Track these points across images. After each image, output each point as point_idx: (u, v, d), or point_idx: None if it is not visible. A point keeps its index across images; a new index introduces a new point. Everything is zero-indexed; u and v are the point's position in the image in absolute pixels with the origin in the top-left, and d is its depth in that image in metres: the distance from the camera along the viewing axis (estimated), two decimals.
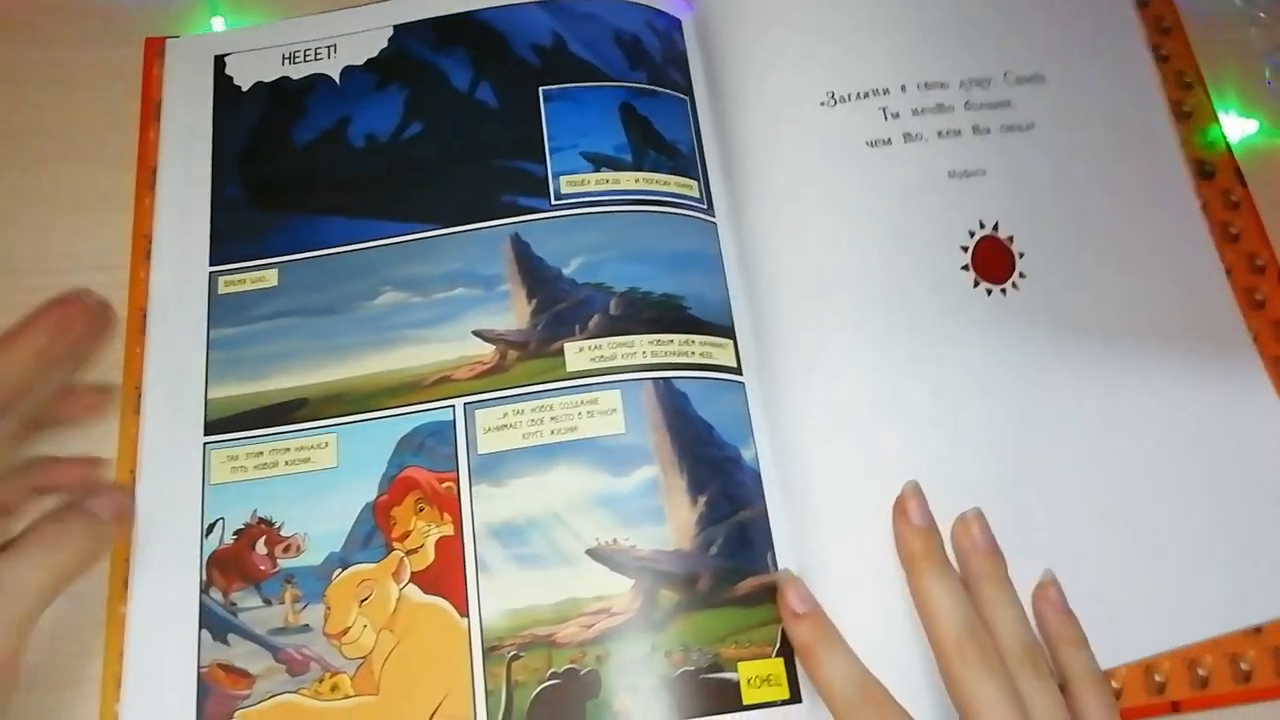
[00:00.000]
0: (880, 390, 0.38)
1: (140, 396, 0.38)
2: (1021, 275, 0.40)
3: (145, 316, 0.40)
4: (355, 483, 0.37)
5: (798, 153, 0.41)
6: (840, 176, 0.41)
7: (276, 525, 0.36)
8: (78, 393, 0.37)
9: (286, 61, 0.44)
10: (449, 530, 0.36)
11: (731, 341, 0.39)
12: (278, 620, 0.35)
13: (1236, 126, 0.46)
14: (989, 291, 0.40)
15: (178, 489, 0.37)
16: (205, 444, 0.38)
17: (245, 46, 0.44)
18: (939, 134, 0.42)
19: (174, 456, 0.37)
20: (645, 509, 0.36)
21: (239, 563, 0.36)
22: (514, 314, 0.39)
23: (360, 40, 0.44)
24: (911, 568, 0.34)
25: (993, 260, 0.40)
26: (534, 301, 0.39)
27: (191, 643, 0.35)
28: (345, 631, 0.35)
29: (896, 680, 0.33)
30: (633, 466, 0.36)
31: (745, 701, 0.34)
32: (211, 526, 0.36)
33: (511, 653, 0.34)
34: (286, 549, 0.36)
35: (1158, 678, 0.36)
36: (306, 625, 0.35)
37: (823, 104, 0.42)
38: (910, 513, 0.35)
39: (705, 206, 0.41)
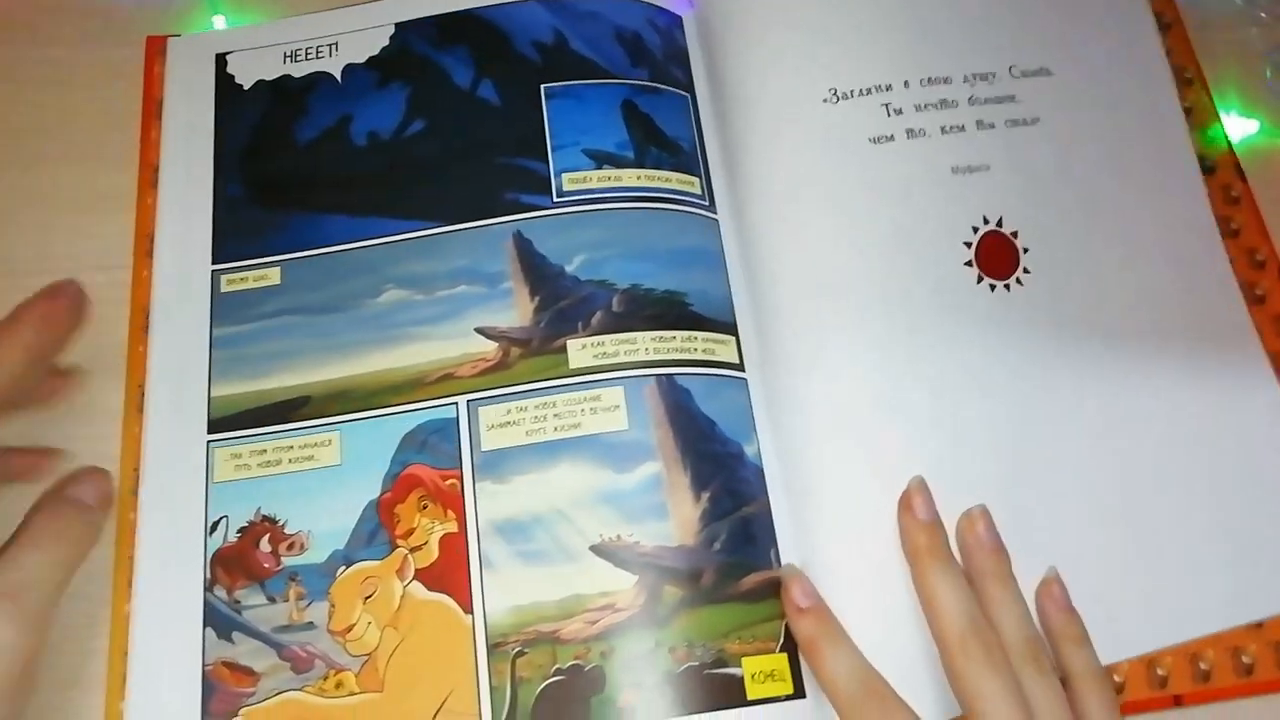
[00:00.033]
0: (883, 387, 0.38)
1: (143, 395, 0.38)
2: (1026, 271, 0.40)
3: (148, 315, 0.40)
4: (359, 480, 0.37)
5: (800, 149, 0.41)
6: (843, 173, 0.41)
7: (280, 523, 0.36)
8: (42, 377, 0.37)
9: (288, 60, 0.44)
10: (453, 527, 0.36)
11: (734, 338, 0.39)
12: (282, 618, 0.35)
13: (1237, 126, 0.46)
14: (992, 287, 0.40)
15: (181, 487, 0.37)
16: (209, 442, 0.38)
17: (247, 45, 0.44)
18: (942, 129, 0.42)
19: (177, 455, 0.37)
20: (648, 505, 0.36)
21: (243, 560, 0.36)
22: (517, 311, 0.39)
23: (362, 38, 0.44)
24: (916, 563, 0.35)
25: (996, 256, 0.40)
26: (537, 299, 0.39)
27: (196, 641, 0.35)
28: (350, 629, 0.35)
29: (900, 675, 0.33)
30: (636, 463, 0.36)
31: (749, 697, 0.34)
32: (215, 524, 0.36)
33: (516, 649, 0.34)
34: (290, 547, 0.36)
35: (1160, 671, 0.36)
36: (311, 623, 0.35)
37: (825, 101, 0.42)
38: (915, 508, 0.35)
39: (707, 203, 0.41)
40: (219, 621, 0.35)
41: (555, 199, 0.40)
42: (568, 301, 0.39)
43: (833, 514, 0.36)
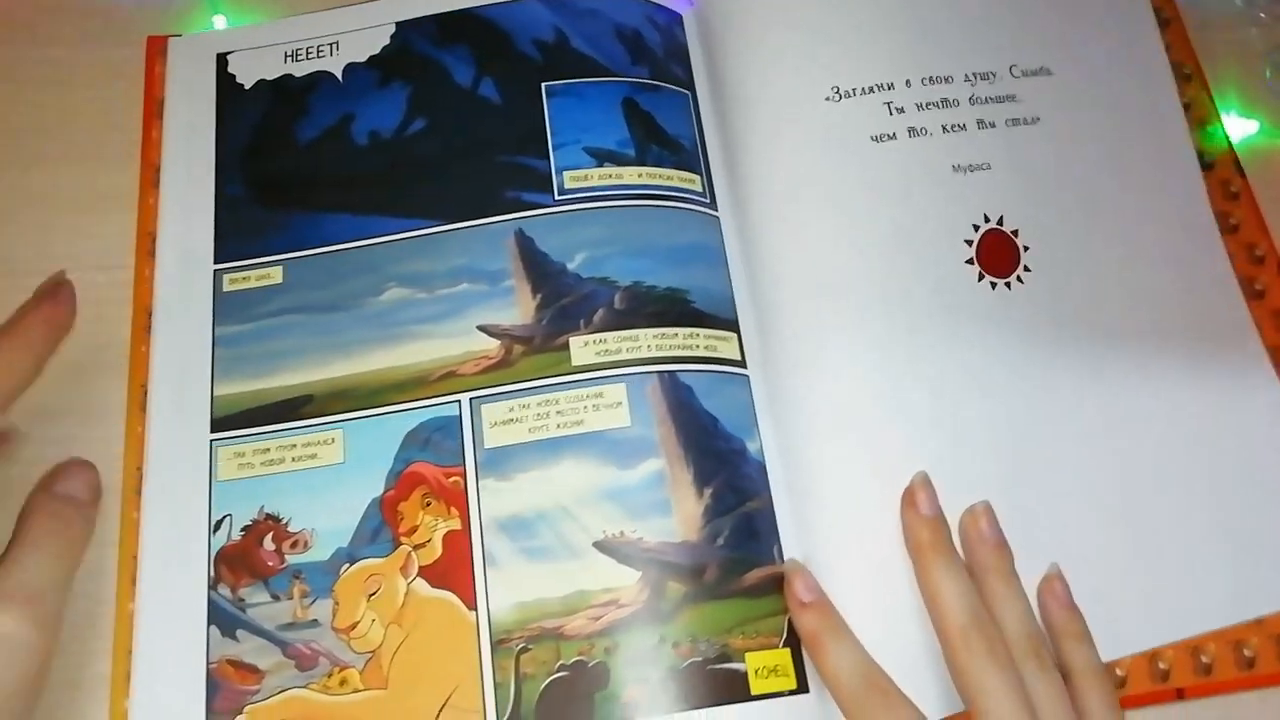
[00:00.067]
0: (884, 384, 0.38)
1: (146, 394, 0.38)
2: (1026, 269, 0.40)
3: (150, 315, 0.40)
4: (362, 478, 0.37)
5: (802, 147, 0.41)
6: (844, 171, 0.41)
7: (284, 521, 0.36)
8: None
9: (289, 59, 0.44)
10: (456, 525, 0.36)
11: (735, 335, 0.39)
12: (286, 615, 0.35)
13: (1237, 126, 0.46)
14: (993, 285, 0.40)
15: (185, 486, 0.37)
16: (212, 441, 0.38)
17: (247, 44, 0.44)
18: (944, 128, 0.42)
19: (180, 454, 0.37)
20: (652, 501, 0.36)
21: (247, 559, 0.36)
22: (519, 309, 0.39)
23: (362, 37, 0.44)
24: (919, 558, 0.35)
25: (997, 254, 0.40)
26: (539, 296, 0.39)
27: (200, 639, 0.35)
28: (354, 626, 0.35)
29: (902, 670, 0.33)
30: (639, 459, 0.36)
31: (753, 692, 0.34)
32: (219, 523, 0.36)
33: (520, 645, 0.34)
34: (294, 545, 0.36)
35: (1161, 665, 0.36)
36: (315, 620, 0.35)
37: (827, 99, 0.42)
38: (919, 503, 0.35)
39: (708, 201, 0.42)
40: (223, 619, 0.35)
41: (556, 197, 0.40)
42: (569, 299, 0.39)
43: (835, 510, 0.36)
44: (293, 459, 0.37)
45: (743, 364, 0.39)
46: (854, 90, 0.42)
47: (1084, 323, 0.40)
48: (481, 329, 0.39)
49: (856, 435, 0.37)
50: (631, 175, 0.41)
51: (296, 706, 0.34)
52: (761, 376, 0.39)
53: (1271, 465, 0.39)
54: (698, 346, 0.38)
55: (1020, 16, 0.45)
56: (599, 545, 0.35)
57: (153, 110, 0.43)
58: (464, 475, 0.36)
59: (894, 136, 0.42)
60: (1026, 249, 0.41)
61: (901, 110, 0.42)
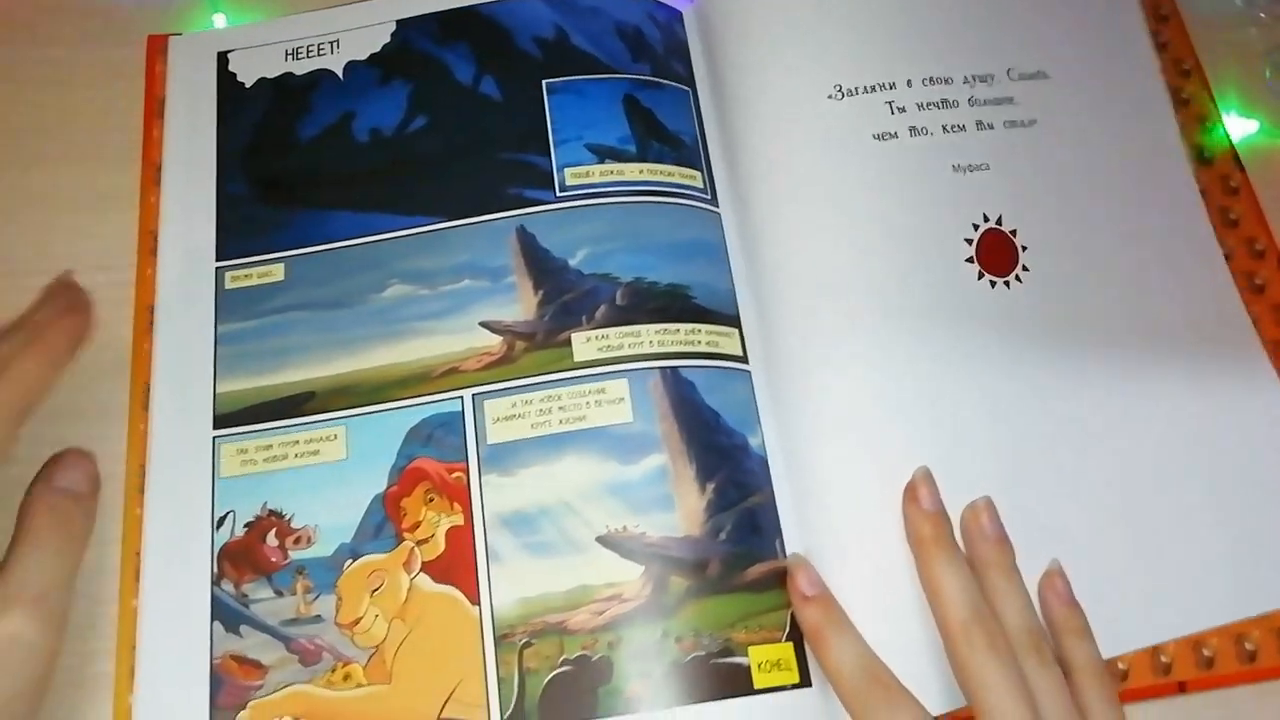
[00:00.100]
0: (885, 380, 0.38)
1: (148, 392, 0.39)
2: (1025, 269, 0.41)
3: (153, 312, 0.40)
4: (365, 474, 0.37)
5: (804, 145, 0.41)
6: (847, 169, 0.41)
7: (287, 517, 0.36)
8: None
9: (290, 57, 0.44)
10: (459, 520, 0.36)
11: (737, 330, 0.39)
12: (289, 611, 0.35)
13: (1237, 126, 0.46)
14: (992, 284, 0.40)
15: (188, 483, 0.37)
16: (214, 438, 0.38)
17: (248, 43, 0.44)
18: (944, 128, 0.42)
19: (183, 451, 0.37)
20: (654, 496, 0.36)
21: (250, 555, 0.36)
22: (521, 305, 0.39)
23: (363, 35, 0.44)
24: (920, 552, 0.35)
25: (996, 253, 0.41)
26: (541, 292, 0.39)
27: (204, 635, 0.35)
28: (357, 621, 0.35)
29: (904, 665, 0.33)
30: (641, 455, 0.36)
31: (756, 686, 0.34)
32: (222, 519, 0.36)
33: (523, 640, 0.34)
34: (297, 541, 0.36)
35: (1163, 659, 0.36)
36: (318, 616, 0.35)
37: (830, 97, 0.42)
38: (921, 498, 0.35)
39: (709, 197, 0.42)
40: (227, 615, 0.35)
41: (558, 193, 0.40)
42: (571, 295, 0.39)
43: (837, 504, 0.37)
44: (295, 455, 0.37)
45: (744, 359, 0.39)
46: (856, 89, 0.42)
47: (1082, 322, 0.40)
48: (484, 325, 0.39)
49: (858, 430, 0.37)
50: (633, 171, 0.41)
51: (300, 702, 0.34)
52: (763, 372, 0.39)
53: (1271, 462, 0.39)
54: (699, 342, 0.38)
55: (1017, 21, 0.45)
56: (602, 540, 0.35)
57: (154, 109, 0.43)
58: (467, 471, 0.37)
59: (895, 135, 0.42)
60: (1025, 249, 0.41)
61: (903, 110, 0.42)
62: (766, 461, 0.37)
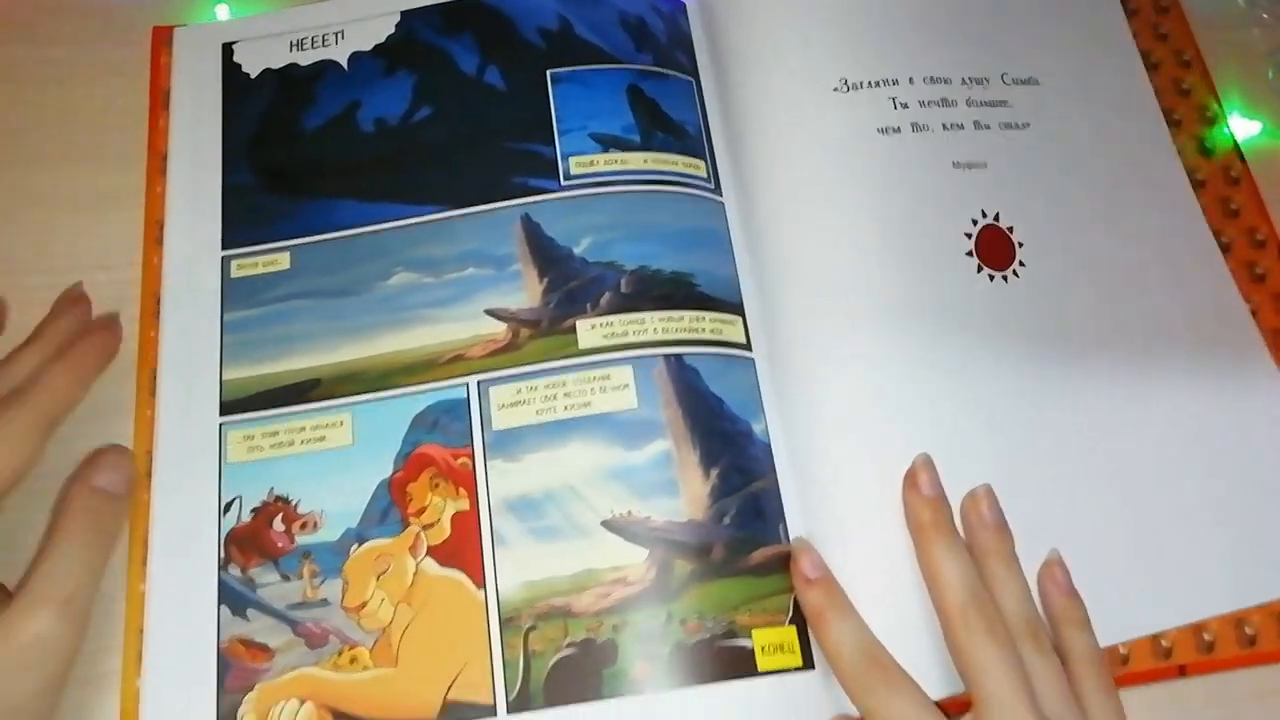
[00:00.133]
0: (887, 368, 0.38)
1: (155, 379, 0.39)
2: (1021, 264, 0.41)
3: (159, 301, 0.40)
4: (371, 460, 0.37)
5: (810, 137, 0.42)
6: (851, 161, 0.41)
7: (293, 503, 0.37)
8: None
9: (294, 48, 0.44)
10: (465, 505, 0.36)
11: (741, 318, 0.40)
12: (296, 595, 0.35)
13: (1240, 127, 0.46)
14: (991, 278, 0.40)
15: (195, 469, 0.37)
16: (221, 424, 0.38)
17: (253, 34, 0.45)
18: (944, 126, 0.43)
19: (190, 437, 0.38)
20: (659, 481, 0.36)
21: (257, 540, 0.36)
22: (526, 293, 0.39)
23: (368, 26, 0.44)
24: (920, 537, 0.35)
25: (995, 248, 0.41)
26: (545, 280, 0.39)
27: (211, 618, 0.35)
28: (363, 605, 0.35)
29: (905, 649, 0.33)
30: (646, 440, 0.37)
31: (759, 668, 0.34)
32: (229, 505, 0.37)
33: (529, 623, 0.34)
34: (304, 526, 0.36)
35: (1164, 643, 0.37)
36: (325, 600, 0.35)
37: (835, 90, 0.42)
38: (921, 484, 0.36)
39: (713, 186, 0.42)
40: (234, 599, 0.35)
41: (562, 182, 0.41)
42: (576, 283, 0.39)
43: (839, 490, 0.37)
44: (302, 441, 0.37)
45: (748, 347, 0.39)
46: (861, 83, 0.43)
47: (1080, 316, 0.40)
48: (489, 313, 0.39)
49: (860, 418, 0.38)
50: (637, 161, 0.41)
51: (307, 684, 0.34)
52: (767, 359, 0.39)
53: (1271, 456, 0.39)
54: (703, 329, 0.39)
55: (1009, 30, 0.46)
56: (607, 524, 0.36)
57: (159, 100, 0.44)
58: (472, 456, 0.37)
59: (898, 130, 0.42)
60: (1021, 245, 0.41)
61: (905, 106, 0.43)
62: (770, 447, 0.37)
